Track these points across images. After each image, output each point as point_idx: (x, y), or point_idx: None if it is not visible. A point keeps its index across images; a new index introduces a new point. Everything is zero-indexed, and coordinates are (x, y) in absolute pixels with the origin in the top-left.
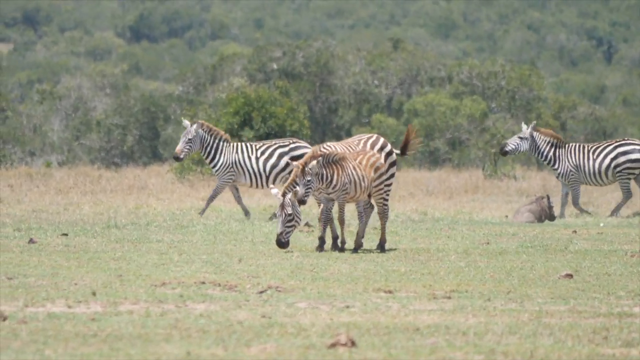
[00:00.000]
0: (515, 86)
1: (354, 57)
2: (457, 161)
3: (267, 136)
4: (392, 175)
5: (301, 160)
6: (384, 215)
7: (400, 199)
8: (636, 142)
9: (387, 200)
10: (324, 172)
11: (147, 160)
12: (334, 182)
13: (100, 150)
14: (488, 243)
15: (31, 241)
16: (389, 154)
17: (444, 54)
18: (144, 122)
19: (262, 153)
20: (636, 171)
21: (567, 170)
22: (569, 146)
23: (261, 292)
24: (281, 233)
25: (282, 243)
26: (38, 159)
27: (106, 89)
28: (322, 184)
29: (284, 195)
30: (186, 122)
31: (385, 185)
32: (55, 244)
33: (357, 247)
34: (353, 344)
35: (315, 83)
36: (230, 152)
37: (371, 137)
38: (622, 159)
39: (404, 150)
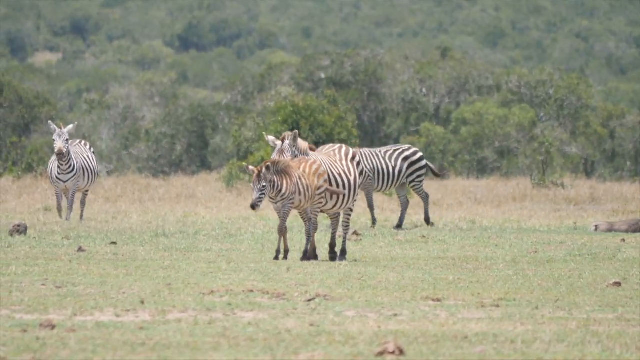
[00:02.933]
0: (564, 95)
1: (402, 65)
2: (506, 169)
3: (316, 145)
4: (360, 185)
5: (258, 166)
6: (311, 224)
7: (449, 207)
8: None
9: (352, 210)
10: (275, 179)
11: (196, 168)
12: (283, 190)
13: (149, 159)
14: (536, 251)
15: (80, 250)
16: (358, 164)
17: (492, 63)
18: (192, 131)
19: (390, 158)
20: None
21: None
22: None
23: (309, 301)
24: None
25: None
26: None
27: (155, 98)
28: (272, 191)
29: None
30: (270, 138)
31: (357, 195)
32: (104, 253)
33: (342, 253)
34: (401, 352)
35: (363, 92)
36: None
37: (341, 147)
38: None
39: None
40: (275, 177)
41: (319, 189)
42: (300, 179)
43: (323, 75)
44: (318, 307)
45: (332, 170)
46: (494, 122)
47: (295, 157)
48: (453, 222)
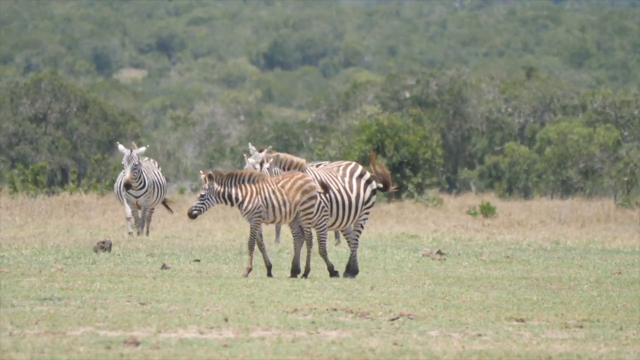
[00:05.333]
0: None
1: (487, 85)
2: (590, 190)
3: (400, 165)
4: (371, 205)
5: (206, 172)
6: (302, 239)
7: (532, 227)
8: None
9: (363, 227)
10: (234, 192)
11: None
12: (246, 203)
13: None
14: (620, 272)
15: (164, 267)
16: (368, 182)
17: (577, 83)
18: (277, 149)
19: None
20: None
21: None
22: None
23: (393, 320)
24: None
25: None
26: (171, 185)
27: (240, 116)
28: (233, 204)
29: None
30: (251, 147)
31: (364, 214)
32: (188, 270)
33: (348, 269)
34: None
35: (448, 111)
36: None
37: (349, 164)
38: None
39: (385, 184)
40: (233, 189)
41: (302, 204)
42: (273, 193)
43: (408, 94)
44: (402, 326)
45: (331, 186)
46: (578, 142)
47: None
48: (537, 242)
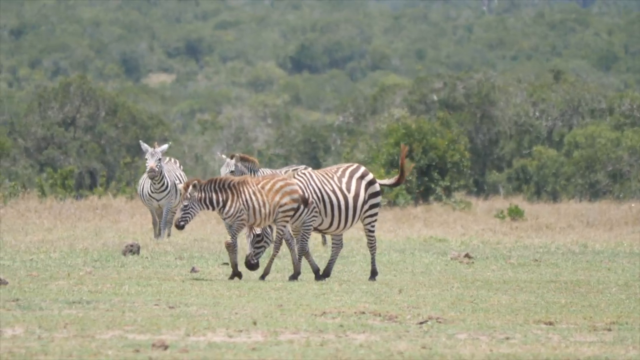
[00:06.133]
0: None
1: (515, 88)
2: (618, 193)
3: (428, 168)
4: (376, 205)
5: (185, 182)
6: (278, 245)
7: (561, 230)
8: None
9: (372, 231)
10: (215, 197)
11: None
12: (227, 207)
13: None
14: None
15: (193, 270)
16: (370, 183)
17: (605, 86)
18: (304, 152)
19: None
20: None
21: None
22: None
23: (421, 323)
24: (250, 254)
25: (251, 265)
26: None
27: (267, 120)
28: (215, 209)
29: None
30: (219, 155)
31: (369, 216)
32: (217, 273)
33: (373, 274)
34: None
35: (476, 114)
36: None
37: (351, 165)
38: None
39: (401, 178)
40: (215, 194)
41: (281, 206)
42: (254, 194)
43: (435, 98)
44: (430, 329)
45: (325, 186)
46: (606, 146)
47: (242, 174)
48: (565, 246)
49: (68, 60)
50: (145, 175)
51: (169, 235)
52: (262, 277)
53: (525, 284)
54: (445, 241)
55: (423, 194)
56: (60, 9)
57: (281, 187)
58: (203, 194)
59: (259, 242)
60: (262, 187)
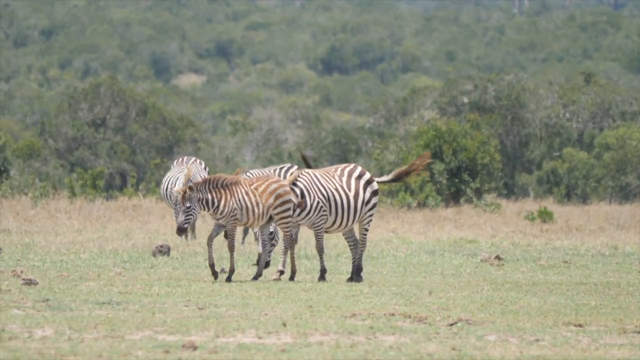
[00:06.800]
0: None
1: (545, 90)
2: None
3: (458, 170)
4: (374, 206)
5: (184, 187)
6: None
7: (591, 232)
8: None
9: (367, 230)
10: (210, 197)
11: None
12: (221, 207)
13: None
14: None
15: (222, 271)
16: (368, 182)
17: (636, 88)
18: (335, 154)
19: None
20: None
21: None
22: None
23: (451, 325)
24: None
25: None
26: None
27: (298, 121)
28: (209, 209)
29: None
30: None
31: (369, 215)
32: (246, 274)
33: (357, 271)
34: None
35: (506, 116)
36: None
37: (348, 165)
38: None
39: (402, 176)
40: (209, 194)
41: (275, 208)
42: (247, 194)
43: (466, 100)
44: (460, 331)
45: (329, 185)
46: (637, 148)
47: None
48: (595, 248)
49: (98, 61)
50: (167, 176)
51: (195, 237)
52: (291, 277)
53: (555, 286)
54: (475, 243)
55: (453, 196)
56: (90, 10)
57: (275, 189)
58: (200, 195)
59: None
60: (256, 188)
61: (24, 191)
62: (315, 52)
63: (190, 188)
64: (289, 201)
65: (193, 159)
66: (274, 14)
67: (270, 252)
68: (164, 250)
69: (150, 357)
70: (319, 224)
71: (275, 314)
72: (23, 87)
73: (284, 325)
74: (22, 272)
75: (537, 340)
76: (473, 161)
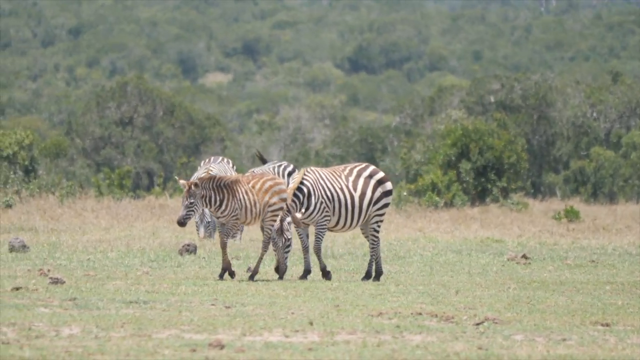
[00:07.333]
0: None
1: (572, 89)
2: None
3: (485, 169)
4: (386, 206)
5: (189, 181)
6: (266, 245)
7: (618, 232)
8: None
9: (377, 231)
10: (213, 195)
11: None
12: (224, 206)
13: None
14: None
15: (249, 270)
16: (380, 182)
17: None
18: (361, 153)
19: None
20: None
21: None
22: None
23: (478, 324)
24: (281, 259)
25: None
26: None
27: (324, 120)
28: (211, 207)
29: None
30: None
31: (377, 216)
32: (273, 273)
33: (367, 276)
34: None
35: (533, 115)
36: None
37: (359, 165)
38: None
39: None
40: (212, 192)
41: (270, 206)
42: (246, 194)
43: (493, 99)
44: (486, 330)
45: (334, 184)
46: None
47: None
48: (622, 247)
49: (125, 60)
50: (195, 175)
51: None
52: (252, 277)
53: (582, 285)
54: (502, 242)
55: (480, 195)
56: (117, 9)
57: (270, 186)
58: (204, 192)
59: (287, 246)
60: (253, 187)
61: (51, 190)
62: (342, 51)
63: (196, 184)
64: (284, 199)
65: (220, 158)
66: (301, 12)
67: (286, 258)
68: (190, 249)
69: (177, 355)
70: (323, 223)
71: (302, 312)
72: (50, 86)
73: (311, 324)
74: (49, 270)
75: (564, 340)
76: (500, 160)
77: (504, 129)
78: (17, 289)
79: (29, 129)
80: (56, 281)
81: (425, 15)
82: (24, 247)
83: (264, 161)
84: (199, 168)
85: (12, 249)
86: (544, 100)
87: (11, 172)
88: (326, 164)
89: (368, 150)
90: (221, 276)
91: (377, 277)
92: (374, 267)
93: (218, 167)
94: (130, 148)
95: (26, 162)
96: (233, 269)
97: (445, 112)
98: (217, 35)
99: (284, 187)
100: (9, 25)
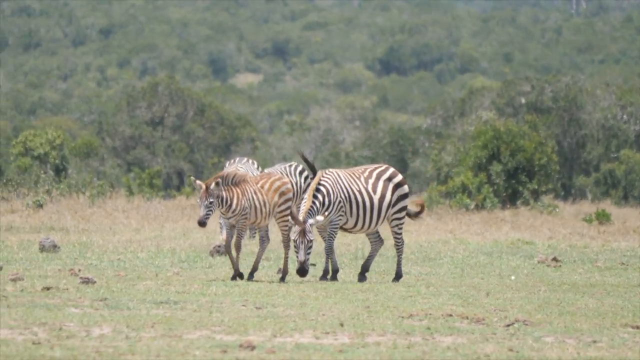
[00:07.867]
0: None
1: (602, 92)
2: None
3: (516, 171)
4: (403, 208)
5: (207, 181)
6: (287, 244)
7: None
8: None
9: (399, 233)
10: (224, 195)
11: None
12: (234, 206)
13: None
14: None
15: (279, 271)
16: (398, 185)
17: None
18: (392, 154)
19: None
20: None
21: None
22: None
23: (508, 326)
24: (304, 261)
25: (305, 271)
26: None
27: (355, 121)
28: (222, 207)
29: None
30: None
31: (396, 219)
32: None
33: (397, 276)
34: None
35: (563, 117)
36: None
37: (379, 166)
38: None
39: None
40: (225, 192)
41: (279, 206)
42: (255, 193)
43: (523, 101)
44: (517, 332)
45: (352, 186)
46: None
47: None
48: None
49: (156, 60)
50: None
51: (252, 237)
52: (282, 278)
53: (613, 287)
54: (532, 244)
55: (510, 198)
56: (148, 9)
57: (278, 187)
58: (218, 191)
59: (310, 247)
60: (262, 186)
61: (81, 190)
62: (373, 52)
63: (217, 183)
64: (291, 199)
65: (245, 159)
66: (332, 13)
67: (308, 259)
68: (221, 250)
69: (207, 356)
70: (336, 222)
71: (332, 314)
72: (81, 86)
73: (341, 325)
74: (79, 270)
75: (595, 342)
76: (530, 162)
77: (535, 131)
78: (48, 288)
79: (59, 129)
80: (87, 281)
81: (456, 17)
82: (54, 247)
83: (307, 163)
84: (225, 168)
85: (42, 248)
86: (574, 102)
87: (42, 172)
88: (357, 165)
89: (398, 152)
90: (250, 276)
91: (363, 273)
92: (401, 267)
93: (243, 167)
94: (160, 148)
95: (57, 162)
96: (241, 270)
97: (476, 113)
98: (248, 36)
99: (290, 187)
100: (40, 25)
